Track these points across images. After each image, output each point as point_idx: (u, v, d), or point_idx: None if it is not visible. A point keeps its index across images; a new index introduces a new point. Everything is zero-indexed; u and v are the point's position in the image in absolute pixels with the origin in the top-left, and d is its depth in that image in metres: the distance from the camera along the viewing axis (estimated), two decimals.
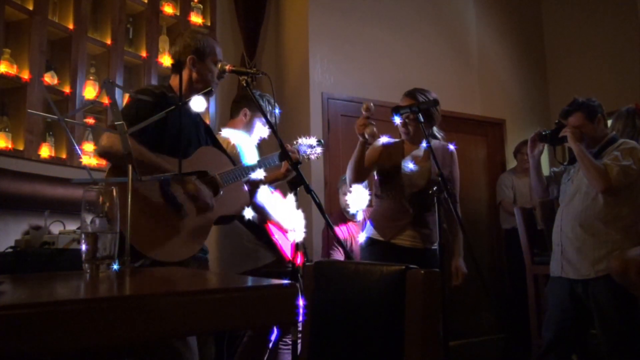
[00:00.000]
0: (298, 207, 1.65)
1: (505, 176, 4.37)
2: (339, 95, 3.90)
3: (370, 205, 2.60)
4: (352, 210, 2.95)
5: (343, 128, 3.88)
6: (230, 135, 2.48)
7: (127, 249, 1.24)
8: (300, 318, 1.31)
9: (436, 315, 1.09)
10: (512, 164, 4.54)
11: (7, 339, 0.61)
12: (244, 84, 1.81)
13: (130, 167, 1.27)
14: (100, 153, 1.77)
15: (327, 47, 3.92)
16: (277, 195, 2.59)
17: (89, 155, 3.05)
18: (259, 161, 2.19)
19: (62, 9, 3.11)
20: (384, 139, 2.46)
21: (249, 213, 2.04)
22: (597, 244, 2.31)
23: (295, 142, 2.44)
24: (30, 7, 2.89)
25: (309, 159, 2.49)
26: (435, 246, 2.16)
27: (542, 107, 5.12)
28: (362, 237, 2.45)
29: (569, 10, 5.10)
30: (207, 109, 3.50)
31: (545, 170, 2.98)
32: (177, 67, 1.99)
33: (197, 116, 2.03)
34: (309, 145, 2.45)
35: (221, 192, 1.97)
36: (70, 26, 3.08)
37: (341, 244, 1.79)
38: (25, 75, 2.82)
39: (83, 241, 1.04)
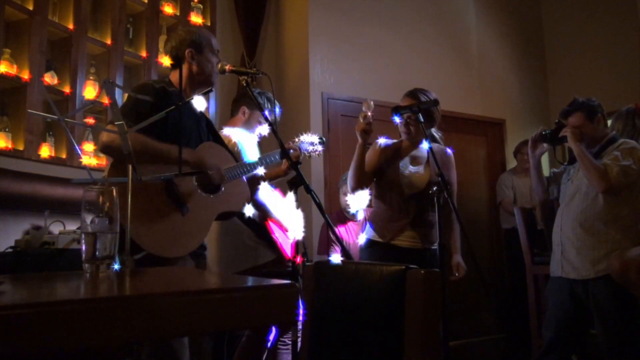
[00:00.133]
0: (298, 206, 1.65)
1: (505, 176, 4.37)
2: (339, 95, 3.90)
3: (370, 205, 2.60)
4: (352, 210, 2.95)
5: (343, 128, 3.88)
6: (231, 133, 2.48)
7: (127, 249, 1.24)
8: (300, 318, 1.31)
9: (436, 315, 1.09)
10: (512, 164, 4.54)
11: (7, 339, 0.61)
12: (244, 84, 1.81)
13: (130, 167, 1.27)
14: (102, 149, 1.78)
15: (327, 47, 3.92)
16: (277, 194, 2.59)
17: (89, 155, 3.05)
18: (260, 158, 2.19)
19: (62, 9, 3.11)
20: (382, 140, 2.46)
21: (249, 210, 2.04)
22: (597, 244, 2.31)
23: (297, 139, 2.44)
24: (30, 7, 2.89)
25: (310, 156, 2.48)
26: (435, 246, 2.15)
27: (542, 107, 5.12)
28: (361, 239, 2.45)
29: (569, 10, 5.10)
30: (207, 108, 3.50)
31: (545, 170, 2.98)
32: (176, 62, 1.99)
33: (199, 111, 2.03)
34: (310, 143, 2.44)
35: (222, 188, 1.97)
36: (70, 26, 3.09)
37: (340, 242, 1.79)
38: (25, 75, 2.82)
39: (83, 241, 1.04)
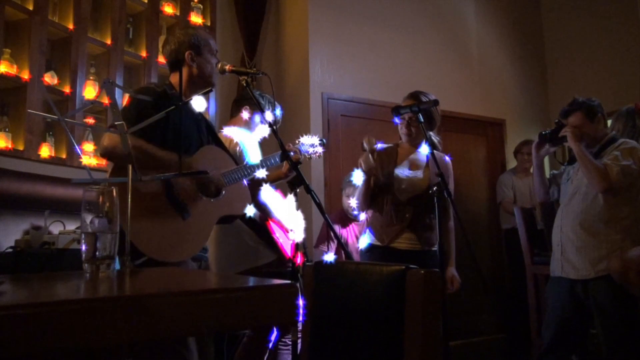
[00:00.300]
0: (298, 207, 1.65)
1: (505, 176, 4.37)
2: (339, 95, 3.90)
3: None
4: (355, 212, 2.96)
5: (343, 128, 3.88)
6: (233, 133, 2.48)
7: (128, 249, 1.24)
8: (300, 318, 1.30)
9: (436, 315, 1.09)
10: (512, 164, 4.54)
11: (7, 339, 0.61)
12: (244, 84, 1.81)
13: (130, 167, 1.27)
14: (103, 153, 1.77)
15: (327, 47, 3.92)
16: (277, 195, 2.59)
17: (89, 155, 3.05)
18: (261, 161, 2.19)
19: (62, 9, 3.11)
20: (377, 146, 2.45)
21: (250, 211, 2.03)
22: (597, 244, 2.31)
23: (297, 142, 2.44)
24: (30, 7, 2.89)
25: (310, 158, 2.48)
26: (435, 247, 2.15)
27: (542, 107, 5.12)
28: (362, 244, 2.46)
29: (569, 11, 5.10)
30: (207, 109, 3.50)
31: (546, 171, 2.98)
32: (175, 65, 1.98)
33: (199, 114, 2.03)
34: (310, 145, 2.44)
35: (223, 192, 1.97)
36: (70, 26, 3.08)
37: (339, 241, 1.79)
38: (25, 75, 2.82)
39: (83, 241, 1.04)
